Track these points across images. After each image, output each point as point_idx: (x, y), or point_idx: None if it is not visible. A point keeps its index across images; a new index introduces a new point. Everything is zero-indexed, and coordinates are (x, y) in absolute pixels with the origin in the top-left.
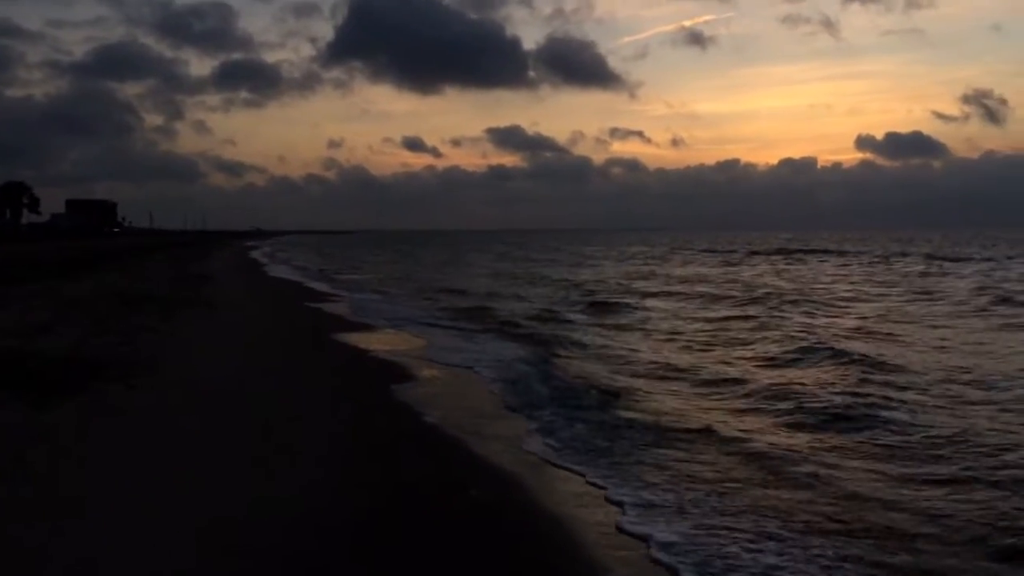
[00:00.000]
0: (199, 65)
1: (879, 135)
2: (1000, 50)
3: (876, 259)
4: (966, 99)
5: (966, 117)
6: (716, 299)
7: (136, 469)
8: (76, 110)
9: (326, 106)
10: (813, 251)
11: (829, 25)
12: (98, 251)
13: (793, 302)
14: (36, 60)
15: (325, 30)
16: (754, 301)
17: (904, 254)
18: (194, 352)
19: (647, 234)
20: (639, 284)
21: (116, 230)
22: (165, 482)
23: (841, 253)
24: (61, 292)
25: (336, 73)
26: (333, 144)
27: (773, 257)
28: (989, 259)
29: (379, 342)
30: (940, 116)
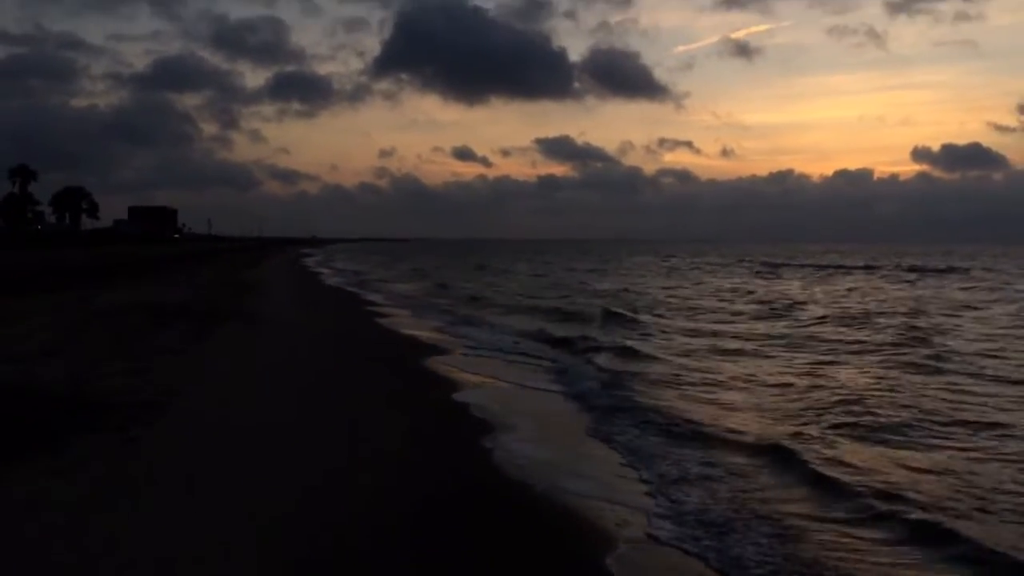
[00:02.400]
0: (253, 77)
1: (935, 147)
2: None
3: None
4: (1022, 109)
5: None
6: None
7: None
8: (137, 120)
9: (376, 116)
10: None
11: (876, 36)
12: (148, 257)
13: None
14: (99, 72)
15: (373, 43)
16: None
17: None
18: (222, 384)
19: (708, 245)
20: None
21: (176, 236)
22: None
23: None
24: (90, 303)
25: (385, 84)
26: (384, 153)
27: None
28: None
29: (466, 374)
30: (997, 127)
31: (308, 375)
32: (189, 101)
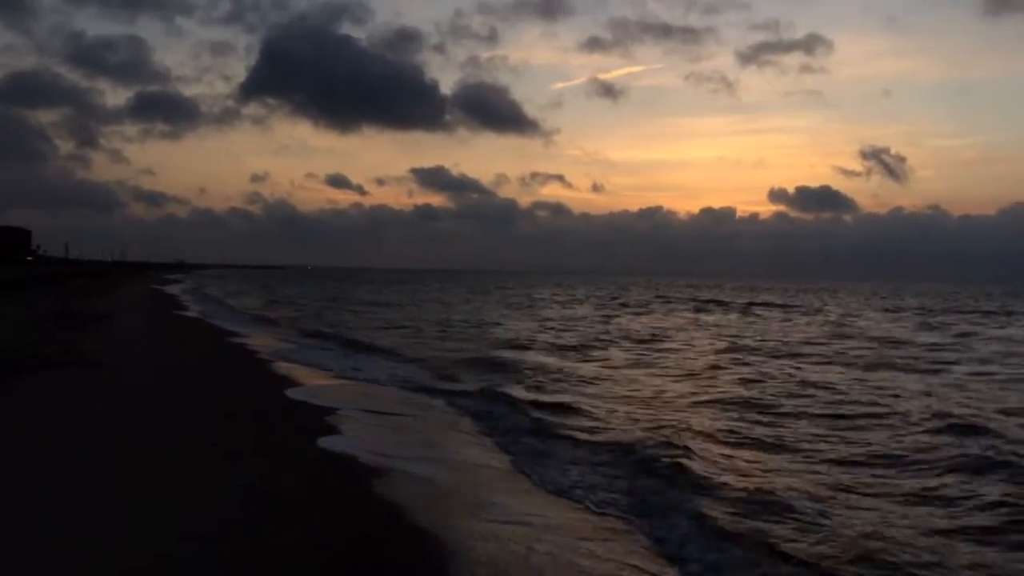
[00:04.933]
0: (113, 95)
1: (791, 188)
2: (892, 112)
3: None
4: (865, 155)
5: (868, 172)
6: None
7: None
8: None
9: (246, 140)
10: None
11: (728, 84)
12: None
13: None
14: None
15: (239, 68)
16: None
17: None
18: (21, 468)
19: (584, 276)
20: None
21: (29, 259)
22: None
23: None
24: None
25: (253, 108)
26: (256, 178)
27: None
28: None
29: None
30: (844, 171)
31: (151, 441)
32: (44, 118)
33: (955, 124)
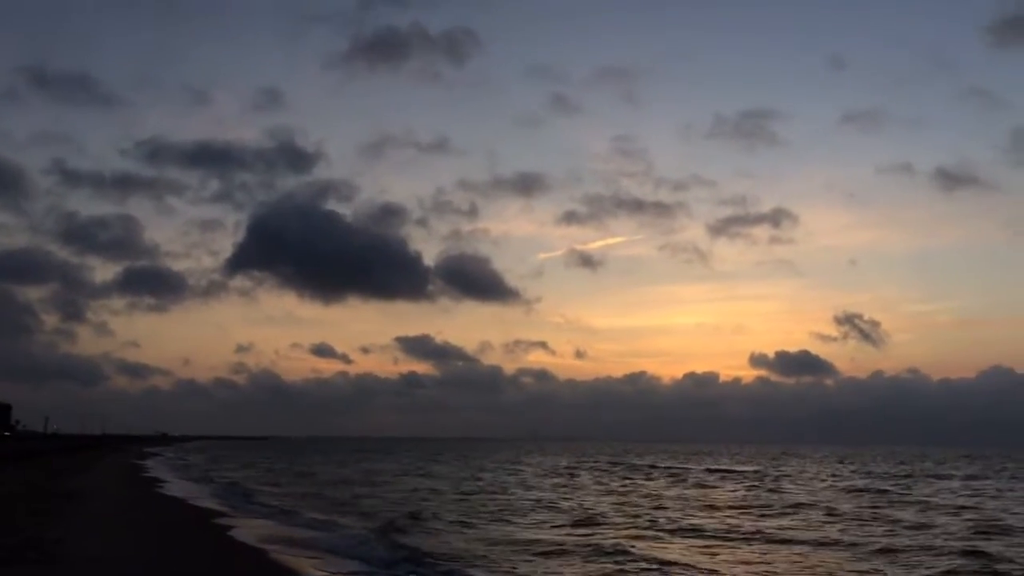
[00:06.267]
0: (103, 271)
1: (770, 353)
2: (861, 280)
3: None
4: (840, 321)
5: (845, 337)
6: None
7: None
8: None
9: (231, 311)
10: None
11: (701, 255)
12: None
13: None
14: None
15: (227, 243)
16: None
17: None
18: None
19: (569, 443)
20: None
21: (7, 433)
22: None
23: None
24: None
25: (239, 281)
26: (241, 348)
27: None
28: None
29: None
30: (820, 336)
31: None
32: (32, 294)
33: (923, 290)
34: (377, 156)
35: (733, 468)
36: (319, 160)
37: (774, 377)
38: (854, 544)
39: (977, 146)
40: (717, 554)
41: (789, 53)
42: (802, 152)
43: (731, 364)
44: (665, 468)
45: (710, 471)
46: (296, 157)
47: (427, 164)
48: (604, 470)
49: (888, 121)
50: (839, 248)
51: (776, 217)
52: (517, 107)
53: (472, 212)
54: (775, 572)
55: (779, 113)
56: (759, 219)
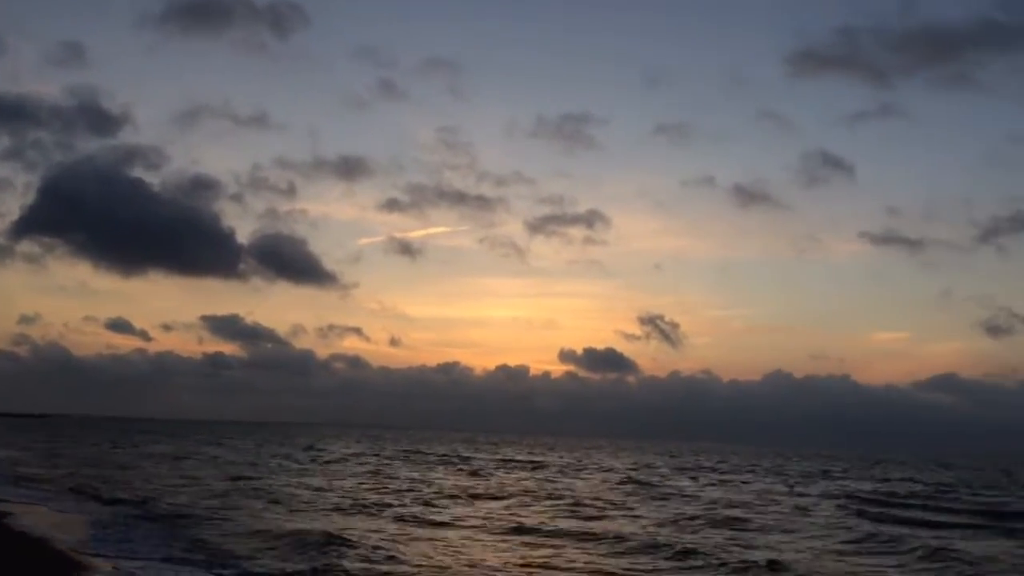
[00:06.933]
0: None
1: (579, 350)
2: (665, 284)
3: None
4: (643, 321)
5: (647, 336)
6: None
7: None
8: None
9: (16, 279)
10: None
11: (519, 250)
12: None
13: None
14: None
15: (15, 205)
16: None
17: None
18: None
19: (382, 429)
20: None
21: None
22: None
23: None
24: None
25: (27, 246)
26: (26, 319)
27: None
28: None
29: None
30: (626, 335)
31: None
32: None
33: (722, 297)
34: (191, 125)
35: (519, 458)
36: (125, 124)
37: (582, 372)
38: (556, 531)
39: (770, 166)
40: (417, 538)
41: (609, 63)
42: (617, 158)
43: (542, 358)
44: (458, 457)
45: (503, 461)
46: (99, 118)
47: (244, 138)
48: (390, 457)
49: (695, 136)
50: (647, 252)
51: (591, 219)
52: (342, 87)
53: (290, 191)
54: (448, 553)
55: (598, 119)
56: (575, 219)
